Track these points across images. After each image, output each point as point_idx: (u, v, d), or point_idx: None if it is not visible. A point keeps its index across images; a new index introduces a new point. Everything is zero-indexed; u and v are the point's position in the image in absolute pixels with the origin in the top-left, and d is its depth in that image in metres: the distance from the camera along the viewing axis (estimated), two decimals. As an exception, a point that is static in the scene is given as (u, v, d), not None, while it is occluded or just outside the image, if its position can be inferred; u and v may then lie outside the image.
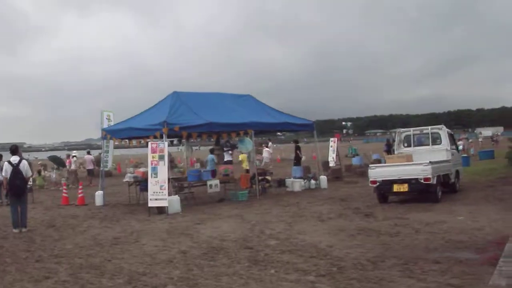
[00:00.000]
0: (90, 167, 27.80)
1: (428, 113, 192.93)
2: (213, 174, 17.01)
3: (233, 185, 18.32)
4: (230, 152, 24.27)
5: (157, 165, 14.40)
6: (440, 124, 17.32)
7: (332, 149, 29.37)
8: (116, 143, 19.06)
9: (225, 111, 17.64)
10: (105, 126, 18.48)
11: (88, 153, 29.19)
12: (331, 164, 26.68)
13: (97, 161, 29.17)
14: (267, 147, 37.66)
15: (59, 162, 31.58)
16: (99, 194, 17.47)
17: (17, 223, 11.98)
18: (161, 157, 14.46)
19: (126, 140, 17.46)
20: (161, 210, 14.44)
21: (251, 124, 17.40)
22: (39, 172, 26.68)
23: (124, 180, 17.75)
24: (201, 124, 15.92)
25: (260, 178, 18.49)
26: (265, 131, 20.55)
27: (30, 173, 12.70)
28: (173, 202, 14.56)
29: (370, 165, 15.38)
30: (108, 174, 32.64)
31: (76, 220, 13.97)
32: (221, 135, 17.74)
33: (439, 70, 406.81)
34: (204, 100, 17.83)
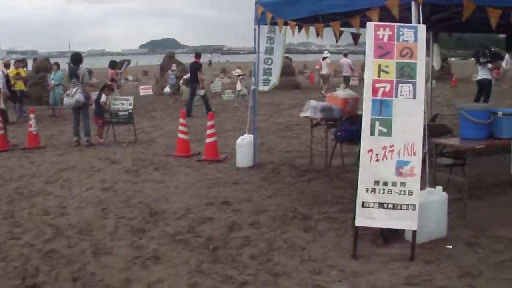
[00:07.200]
0: (348, 73, 22.88)
1: None
2: None
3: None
4: (489, 66, 14.38)
5: (392, 96, 4.43)
6: None
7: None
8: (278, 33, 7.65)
9: None
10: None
11: (345, 55, 23.78)
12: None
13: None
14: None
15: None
16: (243, 143, 8.05)
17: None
18: (406, 72, 4.43)
19: (308, 25, 6.80)
20: (390, 236, 4.74)
21: None
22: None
23: (302, 114, 8.13)
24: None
25: None
26: None
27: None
28: (428, 212, 4.66)
29: None
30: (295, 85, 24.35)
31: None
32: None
33: None
34: None
